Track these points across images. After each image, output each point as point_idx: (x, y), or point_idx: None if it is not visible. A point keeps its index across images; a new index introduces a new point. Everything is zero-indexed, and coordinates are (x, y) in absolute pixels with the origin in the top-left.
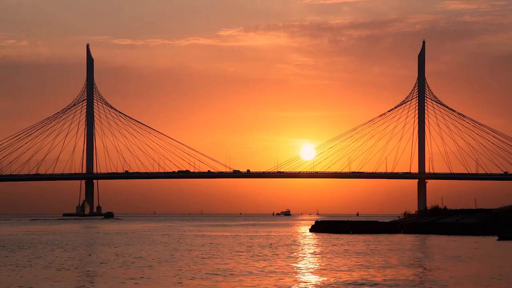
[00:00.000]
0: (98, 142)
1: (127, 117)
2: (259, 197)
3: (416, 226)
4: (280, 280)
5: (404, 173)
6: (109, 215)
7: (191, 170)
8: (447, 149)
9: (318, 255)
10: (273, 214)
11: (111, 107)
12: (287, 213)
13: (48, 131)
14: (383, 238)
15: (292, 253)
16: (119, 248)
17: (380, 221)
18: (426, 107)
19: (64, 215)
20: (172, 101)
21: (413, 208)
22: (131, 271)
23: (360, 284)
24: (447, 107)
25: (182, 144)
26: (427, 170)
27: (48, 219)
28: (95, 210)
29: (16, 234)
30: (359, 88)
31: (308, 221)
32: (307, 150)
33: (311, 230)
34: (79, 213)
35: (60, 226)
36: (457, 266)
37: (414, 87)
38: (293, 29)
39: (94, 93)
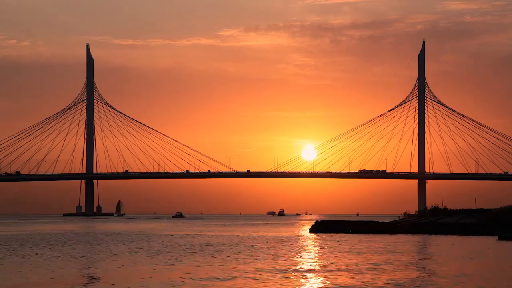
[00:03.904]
0: (98, 142)
1: (127, 117)
2: (259, 197)
3: (416, 226)
4: (281, 282)
5: (404, 173)
6: (178, 215)
7: (191, 170)
8: (447, 149)
9: (319, 256)
10: (273, 214)
11: (111, 107)
12: (281, 213)
13: (48, 131)
14: (383, 238)
15: (294, 254)
16: None
17: (380, 221)
18: (426, 107)
19: (64, 215)
20: (172, 101)
21: (413, 208)
22: None
23: (361, 284)
24: (447, 107)
25: (182, 144)
26: (427, 170)
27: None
28: (95, 210)
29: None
30: (360, 88)
31: (302, 221)
32: (307, 150)
33: (311, 230)
34: (118, 214)
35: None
36: (457, 266)
37: (414, 87)
38: (294, 29)
39: (94, 93)
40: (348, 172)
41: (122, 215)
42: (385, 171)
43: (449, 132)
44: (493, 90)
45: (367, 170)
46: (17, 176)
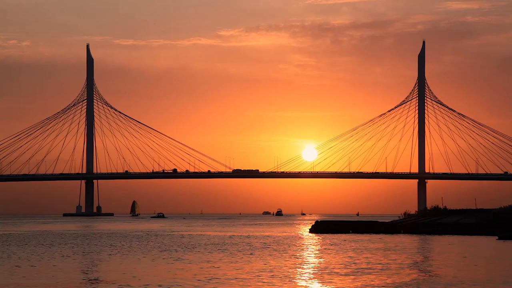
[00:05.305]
0: (98, 142)
1: (127, 117)
2: (259, 197)
3: (416, 226)
4: (282, 283)
5: (404, 173)
6: (160, 215)
7: (191, 170)
8: (447, 149)
9: (320, 256)
10: (272, 214)
11: (111, 107)
12: (279, 213)
13: (48, 131)
14: (383, 238)
15: (294, 254)
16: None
17: (380, 221)
18: (426, 107)
19: (64, 215)
20: (172, 101)
21: (413, 208)
22: None
23: (363, 285)
24: (447, 107)
25: (182, 144)
26: (427, 170)
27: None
28: (95, 210)
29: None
30: (360, 88)
31: (301, 221)
32: (307, 150)
33: (311, 231)
34: (133, 214)
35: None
36: (457, 266)
37: (414, 87)
38: (295, 30)
39: (94, 93)
40: (348, 172)
41: (137, 215)
42: (257, 170)
43: (449, 132)
44: (493, 90)
45: (240, 169)
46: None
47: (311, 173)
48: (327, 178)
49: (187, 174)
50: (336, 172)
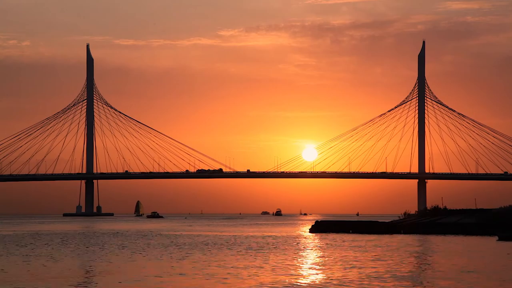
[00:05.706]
0: (98, 142)
1: (127, 117)
2: (259, 197)
3: (416, 226)
4: (281, 282)
5: (404, 173)
6: (155, 215)
7: (191, 170)
8: (447, 149)
9: (320, 257)
10: (272, 214)
11: (111, 107)
12: (278, 213)
13: (48, 131)
14: (383, 238)
15: (294, 253)
16: None
17: (380, 221)
18: (426, 107)
19: (64, 215)
20: (172, 101)
21: (413, 208)
22: None
23: (362, 284)
24: (447, 107)
25: (182, 144)
26: (427, 170)
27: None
28: (95, 210)
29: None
30: (360, 88)
31: (299, 221)
32: (307, 150)
33: (311, 230)
34: (137, 214)
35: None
36: (457, 266)
37: (414, 87)
38: (295, 30)
39: (94, 93)
40: (348, 172)
41: (141, 215)
42: (221, 169)
43: (449, 132)
44: (493, 90)
45: (204, 169)
46: (18, 176)
47: (311, 173)
48: (327, 178)
49: (187, 174)
50: (336, 172)
